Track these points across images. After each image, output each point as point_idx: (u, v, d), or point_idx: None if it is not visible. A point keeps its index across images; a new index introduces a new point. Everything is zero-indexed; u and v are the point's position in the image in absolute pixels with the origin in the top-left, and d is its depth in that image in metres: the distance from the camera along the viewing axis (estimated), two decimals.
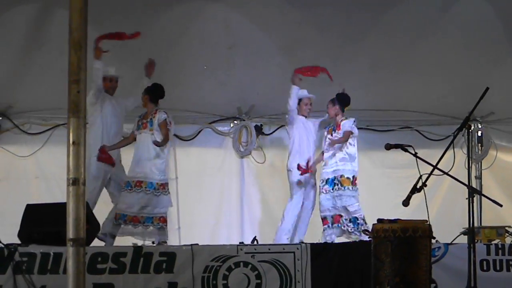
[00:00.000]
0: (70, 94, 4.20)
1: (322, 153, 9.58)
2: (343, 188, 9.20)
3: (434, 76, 10.35)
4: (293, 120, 9.65)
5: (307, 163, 9.49)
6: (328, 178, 9.33)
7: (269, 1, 9.45)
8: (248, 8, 9.33)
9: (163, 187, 9.13)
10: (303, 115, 9.73)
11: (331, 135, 9.43)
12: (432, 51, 9.96)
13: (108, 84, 9.41)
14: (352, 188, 9.23)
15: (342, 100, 9.46)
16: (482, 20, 9.49)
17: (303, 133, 9.69)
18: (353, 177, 9.26)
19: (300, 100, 9.64)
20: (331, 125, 9.58)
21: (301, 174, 9.48)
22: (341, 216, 9.24)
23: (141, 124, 9.21)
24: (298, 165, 9.42)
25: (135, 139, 9.24)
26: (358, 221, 9.12)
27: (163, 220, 9.14)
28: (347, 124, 9.33)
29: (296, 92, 9.47)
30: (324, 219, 9.34)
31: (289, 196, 9.71)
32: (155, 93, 9.24)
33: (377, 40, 9.80)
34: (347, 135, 9.27)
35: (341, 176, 9.23)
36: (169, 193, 9.25)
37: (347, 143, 9.30)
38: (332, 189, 9.26)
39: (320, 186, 9.45)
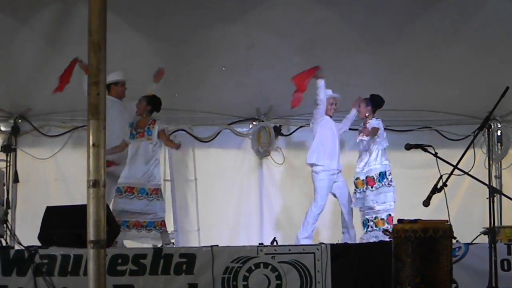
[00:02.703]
0: (89, 96, 4.22)
1: None
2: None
3: (453, 75, 10.29)
4: (319, 116, 9.53)
5: None
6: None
7: (287, 0, 9.43)
8: (266, 8, 9.31)
9: (156, 192, 9.42)
10: (328, 115, 9.62)
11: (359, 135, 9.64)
12: (451, 51, 9.90)
13: (120, 89, 9.44)
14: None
15: (376, 102, 9.57)
16: (500, 20, 9.42)
17: (328, 131, 9.59)
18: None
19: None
20: (361, 125, 9.75)
21: None
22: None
23: (136, 133, 9.41)
24: None
25: (127, 146, 9.34)
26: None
27: (163, 224, 9.55)
28: (374, 122, 9.50)
29: (324, 85, 9.36)
30: None
31: (309, 196, 9.68)
32: (157, 106, 9.56)
33: (396, 41, 9.75)
34: (375, 130, 9.40)
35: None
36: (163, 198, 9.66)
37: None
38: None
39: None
